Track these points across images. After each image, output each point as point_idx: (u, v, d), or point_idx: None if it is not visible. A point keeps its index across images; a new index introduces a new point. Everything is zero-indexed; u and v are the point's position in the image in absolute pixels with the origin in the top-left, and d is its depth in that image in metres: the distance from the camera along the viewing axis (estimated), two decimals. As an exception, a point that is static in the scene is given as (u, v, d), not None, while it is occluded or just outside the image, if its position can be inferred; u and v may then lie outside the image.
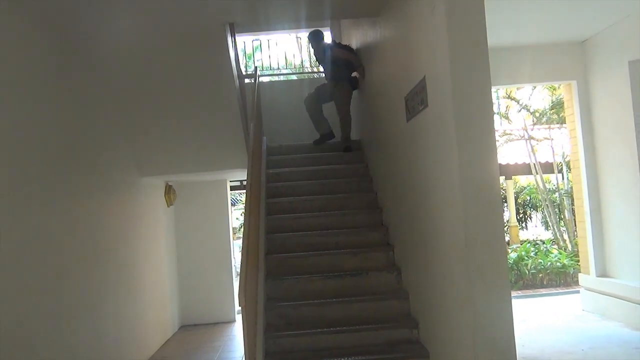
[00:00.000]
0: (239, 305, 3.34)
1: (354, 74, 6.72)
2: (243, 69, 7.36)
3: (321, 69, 7.53)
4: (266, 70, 10.66)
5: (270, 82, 9.12)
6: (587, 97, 6.80)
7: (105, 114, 5.57)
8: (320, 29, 7.15)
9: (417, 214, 4.14)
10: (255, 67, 7.22)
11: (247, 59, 13.11)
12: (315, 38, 6.99)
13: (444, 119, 3.23)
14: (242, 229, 6.04)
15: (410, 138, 4.17)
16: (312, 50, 7.26)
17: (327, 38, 7.95)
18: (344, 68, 6.68)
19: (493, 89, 11.68)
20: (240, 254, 4.30)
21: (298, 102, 7.37)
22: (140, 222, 6.57)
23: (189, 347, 7.06)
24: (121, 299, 5.73)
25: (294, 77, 10.85)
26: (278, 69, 10.88)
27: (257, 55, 13.31)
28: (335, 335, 4.27)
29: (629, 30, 5.99)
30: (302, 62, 10.73)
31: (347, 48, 6.79)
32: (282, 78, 10.54)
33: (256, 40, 10.25)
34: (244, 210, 4.18)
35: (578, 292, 7.35)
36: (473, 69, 3.06)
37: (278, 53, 10.21)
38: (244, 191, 8.31)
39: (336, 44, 7.02)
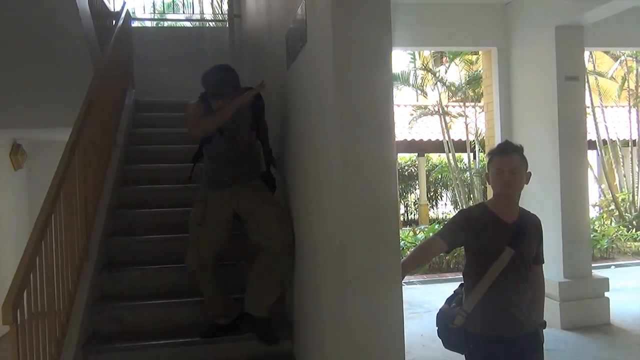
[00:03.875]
0: (3, 324, 2.20)
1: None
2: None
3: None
4: (160, 14, 9.29)
5: (156, 27, 7.77)
6: (507, 67, 6.08)
7: None
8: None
9: (297, 192, 3.16)
10: (123, 3, 5.84)
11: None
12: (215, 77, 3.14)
13: (323, 59, 2.22)
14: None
15: (289, 91, 3.15)
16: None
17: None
18: (256, 145, 3.42)
19: (410, 53, 11.04)
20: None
21: (190, 53, 6.23)
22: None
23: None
24: None
25: (190, 24, 9.45)
26: (170, 12, 9.55)
27: None
28: (184, 348, 3.24)
29: (557, -9, 5.29)
30: (201, 9, 9.45)
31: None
32: (177, 24, 9.21)
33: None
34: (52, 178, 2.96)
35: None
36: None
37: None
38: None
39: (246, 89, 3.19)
